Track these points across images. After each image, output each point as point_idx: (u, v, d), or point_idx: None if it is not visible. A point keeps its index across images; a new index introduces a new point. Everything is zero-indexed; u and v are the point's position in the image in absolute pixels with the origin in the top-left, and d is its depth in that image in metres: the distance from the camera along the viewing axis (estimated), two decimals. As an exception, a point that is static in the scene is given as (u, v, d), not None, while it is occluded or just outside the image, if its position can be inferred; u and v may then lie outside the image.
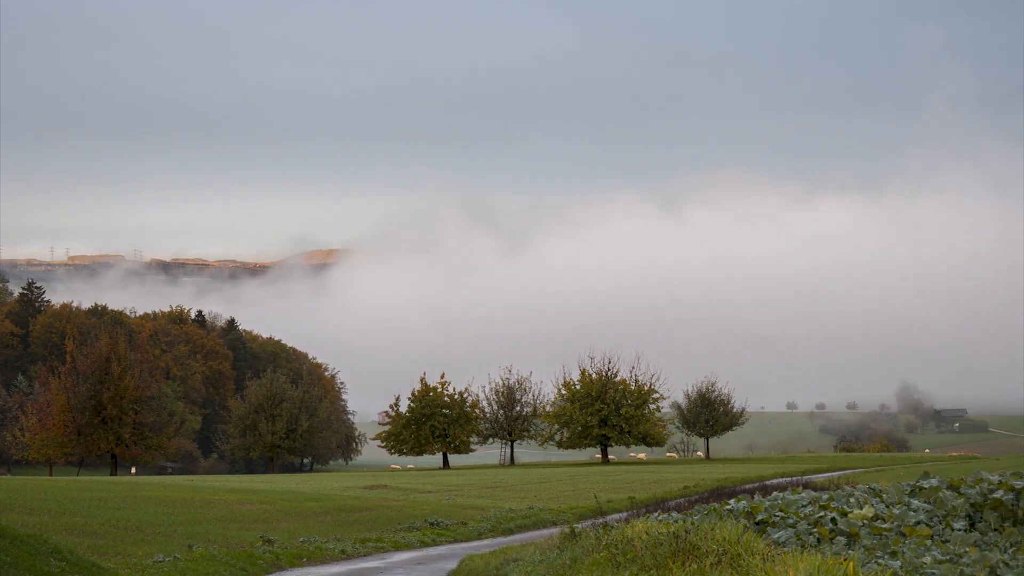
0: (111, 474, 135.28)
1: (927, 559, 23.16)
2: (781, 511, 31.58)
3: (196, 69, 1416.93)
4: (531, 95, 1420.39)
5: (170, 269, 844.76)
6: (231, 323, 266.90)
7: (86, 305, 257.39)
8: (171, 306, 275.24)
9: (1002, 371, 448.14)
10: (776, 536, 28.09)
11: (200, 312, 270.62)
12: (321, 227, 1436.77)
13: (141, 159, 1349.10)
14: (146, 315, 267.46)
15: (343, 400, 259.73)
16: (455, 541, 55.51)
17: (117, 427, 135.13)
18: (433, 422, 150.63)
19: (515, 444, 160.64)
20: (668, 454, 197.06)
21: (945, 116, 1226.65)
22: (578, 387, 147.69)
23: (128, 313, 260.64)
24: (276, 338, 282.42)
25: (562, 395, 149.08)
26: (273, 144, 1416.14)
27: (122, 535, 46.77)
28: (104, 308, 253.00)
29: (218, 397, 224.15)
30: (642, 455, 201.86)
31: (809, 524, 29.26)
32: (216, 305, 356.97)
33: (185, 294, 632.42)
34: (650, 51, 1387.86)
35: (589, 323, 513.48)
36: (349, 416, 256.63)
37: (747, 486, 70.85)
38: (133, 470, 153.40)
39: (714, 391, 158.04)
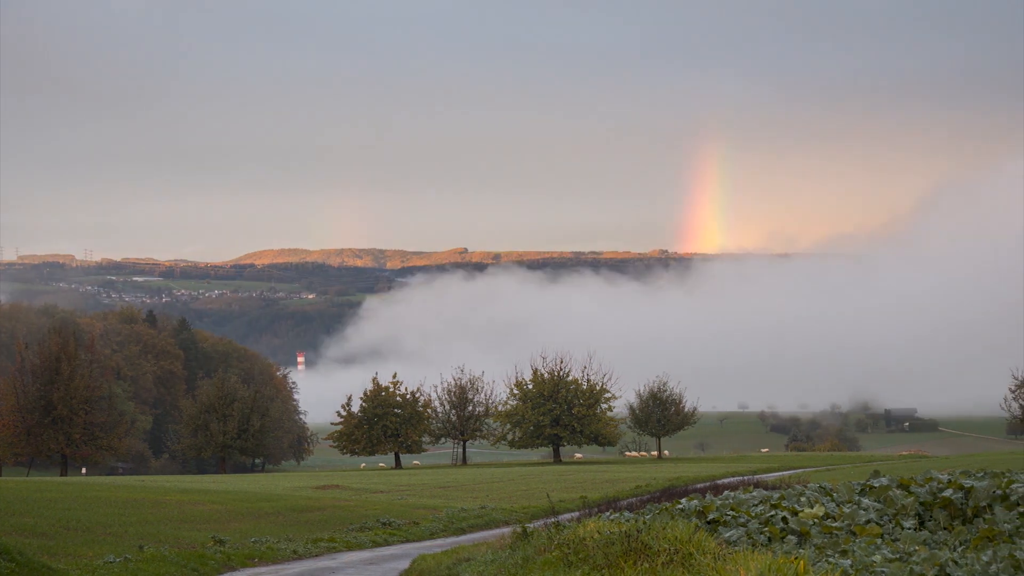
0: (61, 474, 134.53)
1: (877, 558, 23.27)
2: (732, 510, 31.68)
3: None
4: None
5: (120, 268, 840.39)
6: (182, 323, 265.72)
7: (36, 304, 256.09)
8: (121, 305, 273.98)
9: (952, 371, 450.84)
10: (727, 535, 28.16)
11: (151, 312, 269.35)
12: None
13: (91, 157, 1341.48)
14: (96, 315, 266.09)
15: (295, 400, 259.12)
16: (407, 541, 55.48)
17: (67, 427, 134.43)
18: (385, 422, 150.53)
19: (467, 444, 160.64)
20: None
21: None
22: (530, 387, 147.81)
23: (79, 312, 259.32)
24: (228, 338, 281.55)
25: (514, 395, 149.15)
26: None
27: (72, 536, 46.54)
28: (54, 307, 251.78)
29: (169, 397, 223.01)
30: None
31: (760, 523, 29.35)
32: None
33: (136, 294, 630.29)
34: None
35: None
36: (301, 416, 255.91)
37: (698, 485, 71.06)
38: (83, 470, 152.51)
39: (666, 391, 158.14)
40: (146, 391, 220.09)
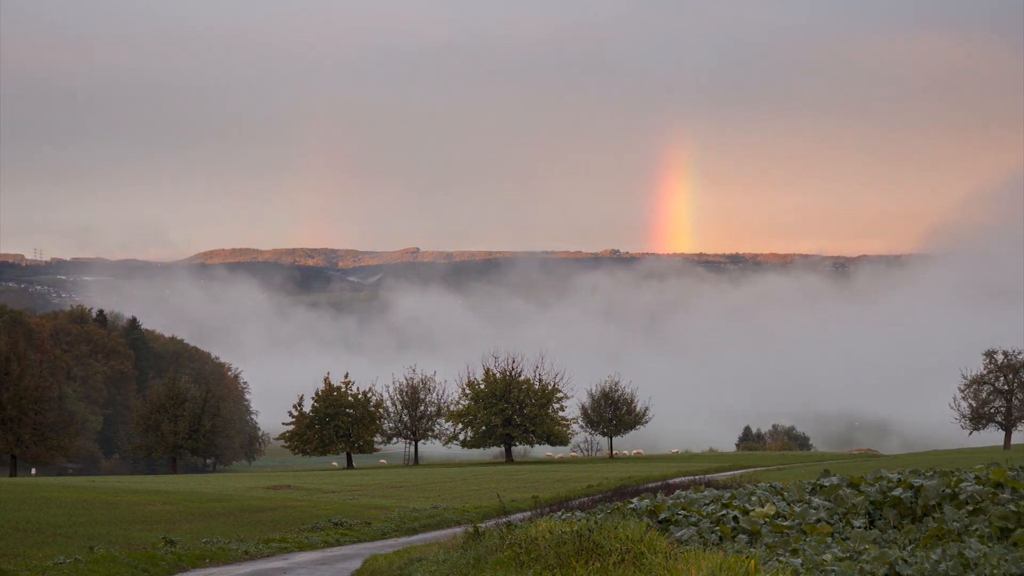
0: (10, 475, 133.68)
1: (827, 556, 23.36)
2: (684, 509, 31.75)
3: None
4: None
5: (70, 267, 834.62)
6: (133, 322, 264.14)
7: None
8: (71, 305, 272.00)
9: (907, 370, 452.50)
10: (679, 534, 28.22)
11: (101, 311, 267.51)
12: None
13: (40, 156, 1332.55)
14: (46, 314, 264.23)
15: (246, 400, 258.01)
16: (359, 541, 55.41)
17: (17, 427, 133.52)
18: (337, 422, 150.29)
19: (419, 444, 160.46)
20: (636, 451, 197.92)
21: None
22: (482, 387, 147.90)
23: (28, 312, 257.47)
24: (179, 337, 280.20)
25: (466, 395, 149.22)
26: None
27: (22, 537, 46.26)
28: (3, 307, 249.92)
29: (120, 397, 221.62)
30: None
31: (711, 522, 29.42)
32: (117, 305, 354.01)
33: (86, 292, 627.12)
34: None
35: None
36: (252, 416, 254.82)
37: (650, 485, 71.27)
38: (33, 471, 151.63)
39: (617, 391, 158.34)
40: (96, 391, 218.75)
